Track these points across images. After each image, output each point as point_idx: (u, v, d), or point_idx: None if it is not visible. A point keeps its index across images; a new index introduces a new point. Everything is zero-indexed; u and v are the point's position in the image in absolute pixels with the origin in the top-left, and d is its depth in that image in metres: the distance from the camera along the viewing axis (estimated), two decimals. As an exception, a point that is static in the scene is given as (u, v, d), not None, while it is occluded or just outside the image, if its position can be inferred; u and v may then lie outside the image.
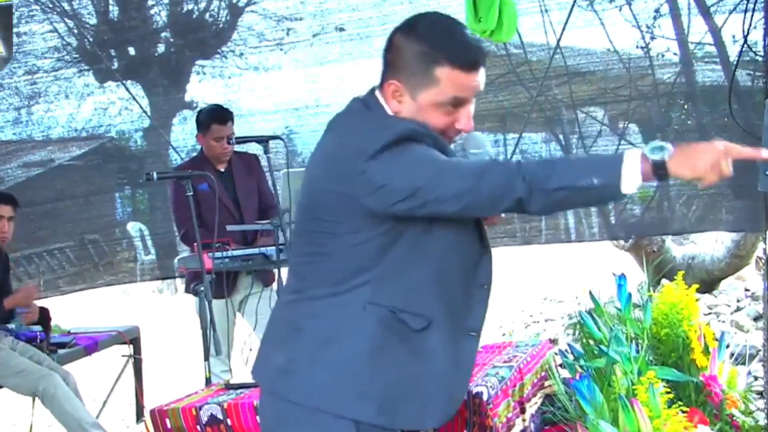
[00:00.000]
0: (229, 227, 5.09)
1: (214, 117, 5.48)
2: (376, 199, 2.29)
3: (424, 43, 2.36)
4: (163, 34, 6.72)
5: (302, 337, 2.42)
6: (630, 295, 3.78)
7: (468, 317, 2.48)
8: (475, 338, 2.52)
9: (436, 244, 2.38)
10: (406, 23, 2.44)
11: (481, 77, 2.40)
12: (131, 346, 6.50)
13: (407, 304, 2.37)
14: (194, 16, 6.61)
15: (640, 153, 2.18)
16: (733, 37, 5.71)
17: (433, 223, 2.36)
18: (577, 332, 4.01)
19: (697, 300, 3.91)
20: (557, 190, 2.22)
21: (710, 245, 8.91)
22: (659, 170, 2.17)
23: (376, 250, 2.35)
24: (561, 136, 6.65)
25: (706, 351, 3.76)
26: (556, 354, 4.13)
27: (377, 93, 2.47)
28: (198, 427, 3.55)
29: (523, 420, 3.61)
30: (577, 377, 3.47)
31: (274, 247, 4.89)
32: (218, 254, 4.93)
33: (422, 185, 2.26)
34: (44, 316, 5.87)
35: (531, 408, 3.72)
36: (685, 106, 6.46)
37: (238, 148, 5.51)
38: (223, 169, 5.56)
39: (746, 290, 8.77)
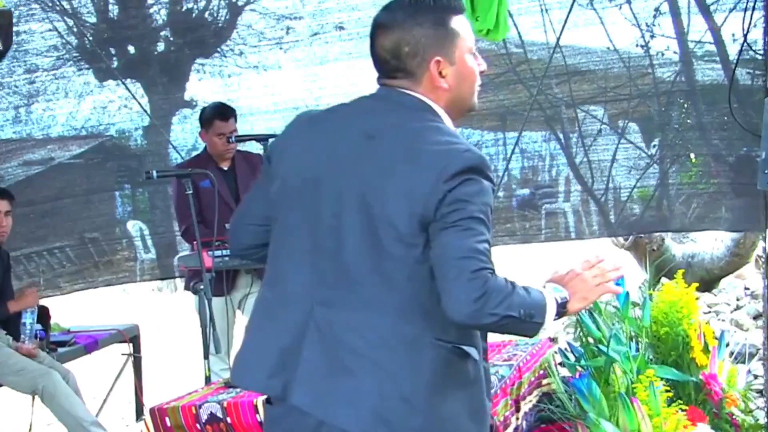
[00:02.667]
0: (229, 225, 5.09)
1: (217, 113, 5.50)
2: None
3: (425, 14, 2.37)
4: (162, 33, 6.72)
5: (367, 366, 2.29)
6: (628, 294, 3.78)
7: (484, 340, 2.48)
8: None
9: None
10: (386, 22, 2.39)
11: None
12: (131, 344, 6.51)
13: (460, 337, 2.33)
14: (194, 14, 6.61)
15: (552, 294, 2.34)
16: (733, 35, 5.71)
17: None
18: (576, 331, 4.01)
19: (696, 299, 3.91)
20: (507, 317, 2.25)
21: (710, 244, 8.91)
22: (561, 309, 2.34)
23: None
24: (561, 135, 6.66)
25: (705, 349, 3.76)
26: (555, 353, 4.13)
27: (409, 92, 2.39)
28: (198, 425, 3.55)
29: (517, 418, 3.61)
30: (577, 376, 3.48)
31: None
32: (218, 252, 4.93)
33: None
34: (44, 314, 5.87)
35: (525, 406, 3.72)
36: (685, 105, 6.46)
37: (240, 147, 5.52)
38: (226, 167, 5.57)
39: (746, 289, 8.76)
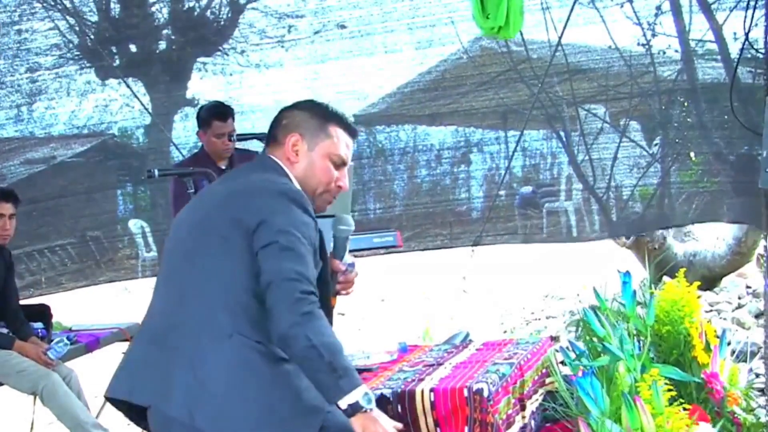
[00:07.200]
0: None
1: (215, 113, 5.47)
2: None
3: (317, 109, 2.90)
4: (164, 31, 6.73)
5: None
6: (635, 292, 3.78)
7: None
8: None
9: None
10: (290, 105, 2.93)
11: (352, 150, 2.94)
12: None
13: (267, 337, 2.62)
14: (196, 13, 6.62)
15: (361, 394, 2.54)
16: (734, 34, 5.72)
17: None
18: (578, 329, 4.01)
19: (698, 297, 3.91)
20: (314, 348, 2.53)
21: (711, 242, 8.89)
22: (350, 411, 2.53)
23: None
24: (562, 133, 6.66)
25: (707, 348, 3.76)
26: (557, 351, 4.13)
27: (272, 156, 2.86)
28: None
29: (523, 417, 3.61)
30: (580, 374, 3.47)
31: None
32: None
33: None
34: (45, 313, 5.86)
35: (531, 405, 3.72)
36: (686, 104, 6.47)
37: (239, 145, 5.51)
38: (224, 166, 5.55)
39: (747, 287, 8.75)
